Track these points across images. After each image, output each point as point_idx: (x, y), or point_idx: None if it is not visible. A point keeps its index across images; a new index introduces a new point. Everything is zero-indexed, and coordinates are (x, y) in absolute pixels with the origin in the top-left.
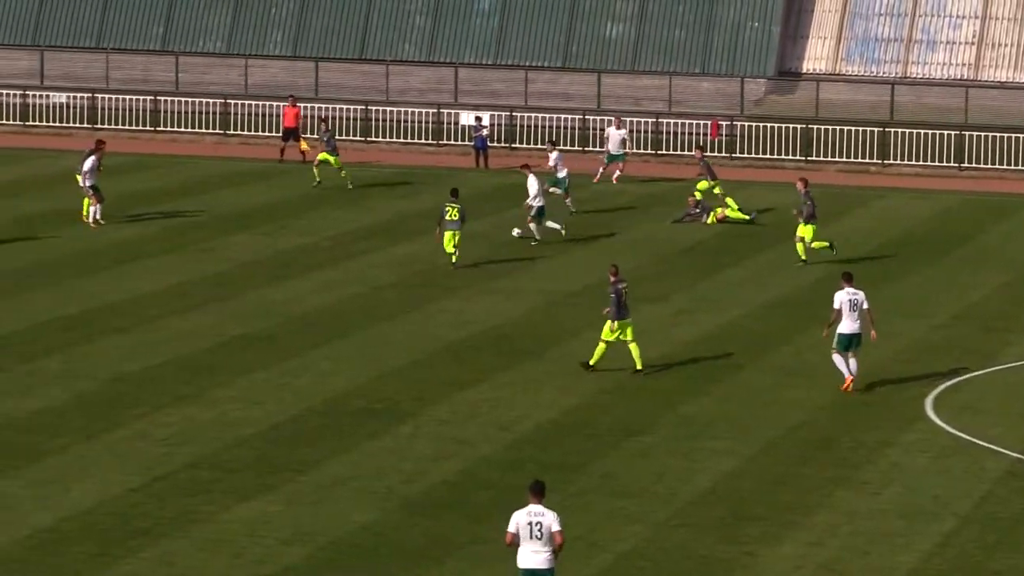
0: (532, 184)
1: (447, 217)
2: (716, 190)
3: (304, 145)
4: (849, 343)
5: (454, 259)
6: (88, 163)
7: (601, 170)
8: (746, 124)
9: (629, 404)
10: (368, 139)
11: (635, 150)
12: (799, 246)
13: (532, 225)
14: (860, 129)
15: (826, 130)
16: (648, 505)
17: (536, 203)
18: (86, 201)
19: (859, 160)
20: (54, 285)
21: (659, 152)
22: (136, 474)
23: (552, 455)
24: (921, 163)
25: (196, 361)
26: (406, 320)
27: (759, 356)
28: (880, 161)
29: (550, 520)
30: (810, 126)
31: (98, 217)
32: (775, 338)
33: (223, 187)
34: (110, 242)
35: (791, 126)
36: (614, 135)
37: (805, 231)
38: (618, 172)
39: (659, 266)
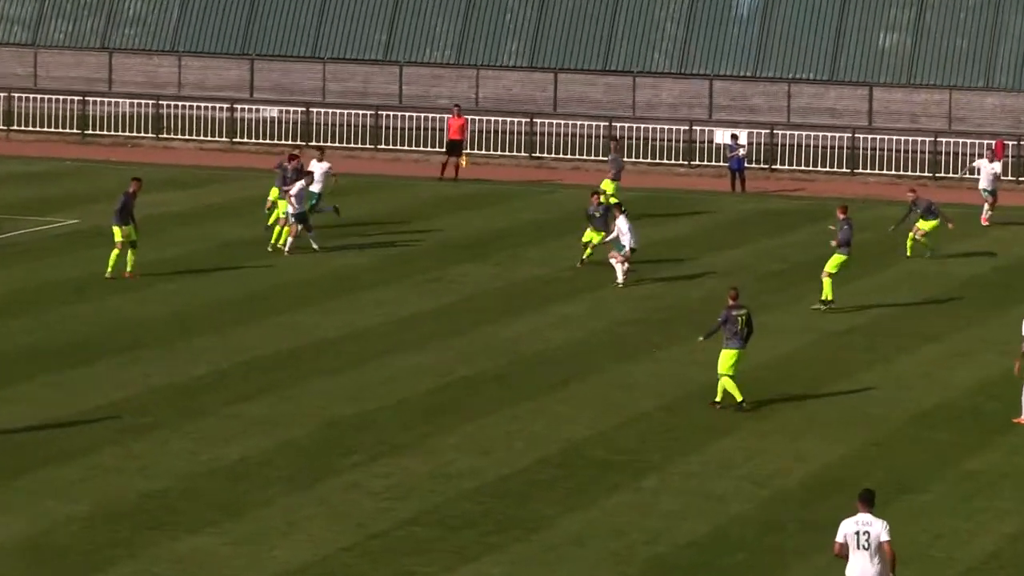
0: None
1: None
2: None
3: (464, 162)
4: None
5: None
6: (297, 187)
7: (986, 208)
8: None
9: (902, 457)
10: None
11: (910, 172)
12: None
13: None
14: None
15: None
16: (924, 570)
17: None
18: (282, 229)
19: None
20: (260, 319)
21: (937, 175)
22: (348, 531)
23: (815, 513)
24: None
25: (416, 405)
26: (651, 360)
27: None
28: None
29: (879, 529)
30: None
31: (291, 245)
32: None
33: (453, 211)
34: (323, 272)
35: None
36: (986, 168)
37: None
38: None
39: (936, 301)
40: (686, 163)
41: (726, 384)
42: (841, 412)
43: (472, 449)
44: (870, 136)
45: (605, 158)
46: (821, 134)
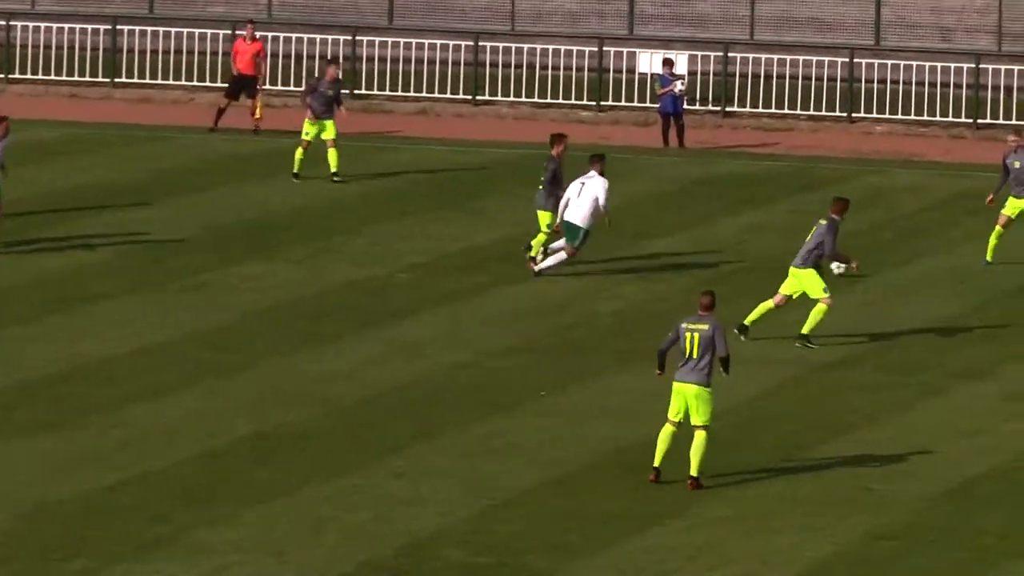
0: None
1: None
2: None
3: (259, 107)
4: None
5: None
6: None
7: None
8: None
9: (928, 559)
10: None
11: (938, 117)
12: None
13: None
14: None
15: None
16: None
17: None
18: None
19: None
20: None
21: (979, 122)
22: None
23: None
24: None
25: (173, 482)
26: (537, 410)
27: None
28: None
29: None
30: None
31: None
32: None
33: (231, 180)
34: (28, 277)
35: None
36: None
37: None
38: None
39: (978, 315)
40: (593, 104)
41: (662, 442)
42: (831, 490)
43: (260, 547)
44: (878, 62)
45: (473, 98)
46: (802, 59)
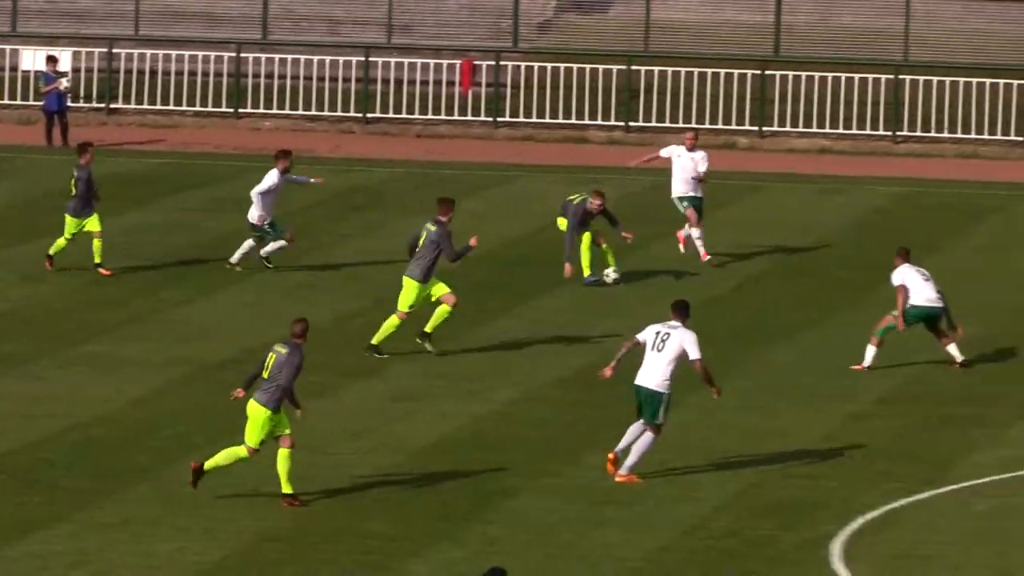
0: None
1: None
2: None
3: None
4: None
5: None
6: None
7: None
8: None
9: None
10: None
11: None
12: None
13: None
14: None
15: None
16: None
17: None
18: None
19: None
20: None
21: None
22: None
23: None
24: None
25: None
26: None
27: None
28: None
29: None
30: None
31: None
32: None
33: None
34: None
35: None
36: None
37: None
38: None
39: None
40: None
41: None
42: (218, 493)
43: None
44: (265, 56)
45: None
46: (188, 54)
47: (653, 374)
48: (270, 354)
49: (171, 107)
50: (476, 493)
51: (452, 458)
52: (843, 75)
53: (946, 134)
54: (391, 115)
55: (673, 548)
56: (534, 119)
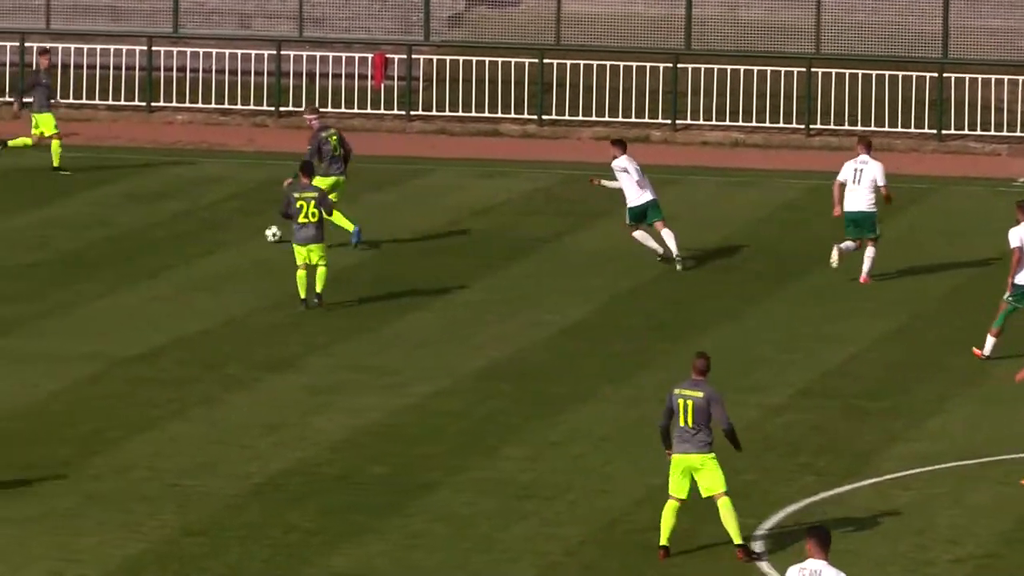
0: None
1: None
2: None
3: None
4: None
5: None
6: None
7: None
8: None
9: None
10: None
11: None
12: None
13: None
14: None
15: None
16: None
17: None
18: None
19: None
20: None
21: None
22: None
23: None
24: None
25: None
26: None
27: None
28: None
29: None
30: None
31: None
32: None
33: None
34: None
35: None
36: None
37: None
38: None
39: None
40: None
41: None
42: (138, 487)
43: None
44: (176, 50)
45: None
46: (99, 47)
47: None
48: (683, 401)
49: (84, 101)
50: (395, 487)
51: (370, 452)
52: (755, 68)
53: (859, 127)
54: (304, 108)
55: (593, 541)
56: (447, 112)
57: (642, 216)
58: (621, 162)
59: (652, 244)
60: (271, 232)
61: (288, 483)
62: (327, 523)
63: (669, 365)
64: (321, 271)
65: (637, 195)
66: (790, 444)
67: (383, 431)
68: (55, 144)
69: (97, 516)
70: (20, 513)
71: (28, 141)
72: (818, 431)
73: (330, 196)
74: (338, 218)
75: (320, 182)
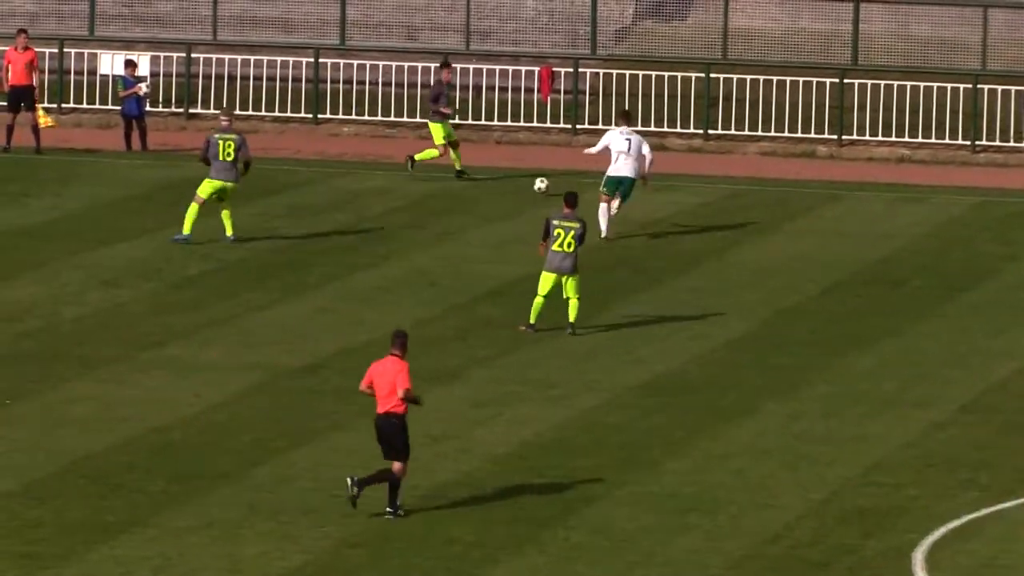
0: None
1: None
2: None
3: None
4: None
5: None
6: None
7: None
8: None
9: None
10: None
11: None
12: None
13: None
14: None
15: None
16: None
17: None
18: None
19: None
20: None
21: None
22: None
23: None
24: None
25: None
26: None
27: None
28: None
29: None
30: None
31: None
32: None
33: None
34: None
35: None
36: None
37: None
38: None
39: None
40: (53, 107)
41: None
42: (300, 498)
43: None
44: (343, 62)
45: None
46: (266, 59)
47: None
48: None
49: (250, 112)
50: (557, 500)
51: (533, 464)
52: (921, 84)
53: None
54: (471, 121)
55: (756, 556)
56: (612, 126)
57: (617, 186)
58: (625, 132)
59: (603, 224)
60: (540, 183)
61: (450, 495)
62: (488, 535)
63: (832, 380)
64: (226, 212)
65: (619, 167)
66: (953, 459)
67: (545, 443)
68: (453, 153)
69: (259, 527)
70: (182, 523)
71: (435, 152)
72: (981, 447)
73: (221, 199)
74: (225, 216)
75: (209, 184)
